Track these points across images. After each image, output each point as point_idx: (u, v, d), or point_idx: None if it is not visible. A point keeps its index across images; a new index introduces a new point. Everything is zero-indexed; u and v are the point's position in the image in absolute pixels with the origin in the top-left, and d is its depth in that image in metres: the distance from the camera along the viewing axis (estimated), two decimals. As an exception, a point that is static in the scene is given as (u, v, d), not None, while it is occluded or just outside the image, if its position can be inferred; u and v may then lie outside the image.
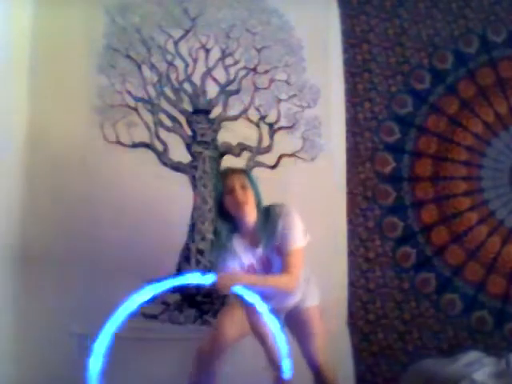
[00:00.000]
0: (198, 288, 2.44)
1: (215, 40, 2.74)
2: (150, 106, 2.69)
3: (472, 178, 2.82)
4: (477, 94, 2.86)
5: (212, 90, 2.73)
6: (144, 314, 2.54)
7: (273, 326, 1.84)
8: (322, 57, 2.80)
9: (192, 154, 2.69)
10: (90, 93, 2.64)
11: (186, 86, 2.72)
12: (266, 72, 2.77)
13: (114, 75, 2.67)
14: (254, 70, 2.77)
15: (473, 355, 2.25)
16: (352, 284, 2.72)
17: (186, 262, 2.63)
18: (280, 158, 2.73)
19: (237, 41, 2.76)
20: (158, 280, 1.81)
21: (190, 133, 2.71)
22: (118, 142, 2.64)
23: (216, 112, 2.73)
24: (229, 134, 2.72)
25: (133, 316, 2.57)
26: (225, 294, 2.09)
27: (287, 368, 1.82)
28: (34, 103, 2.60)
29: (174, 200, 2.61)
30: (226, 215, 2.00)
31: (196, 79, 2.73)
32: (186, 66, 2.72)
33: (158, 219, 2.55)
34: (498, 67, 2.87)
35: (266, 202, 2.03)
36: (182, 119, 2.71)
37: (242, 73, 2.76)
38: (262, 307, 1.84)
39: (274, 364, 1.88)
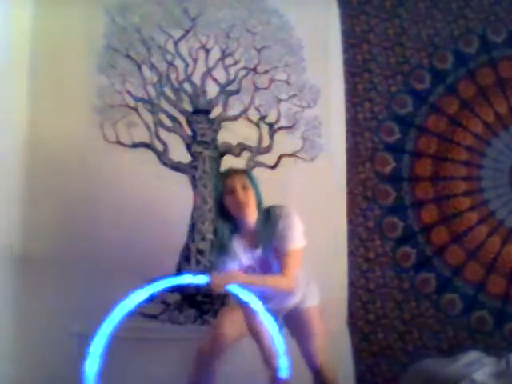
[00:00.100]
0: (198, 288, 2.44)
1: (215, 40, 2.74)
2: (150, 106, 2.69)
3: (472, 178, 2.82)
4: (477, 94, 2.86)
5: (212, 89, 2.73)
6: (144, 313, 2.54)
7: (269, 325, 1.83)
8: (322, 57, 2.80)
9: (192, 154, 2.69)
10: (89, 93, 2.64)
11: (186, 86, 2.72)
12: (266, 72, 2.77)
13: (114, 75, 2.67)
14: (254, 70, 2.77)
15: (473, 355, 2.25)
16: (352, 284, 2.72)
17: (185, 261, 2.63)
18: (280, 157, 2.73)
19: (237, 41, 2.76)
20: (155, 280, 1.81)
21: (190, 133, 2.71)
22: (118, 142, 2.64)
23: (216, 112, 2.73)
24: (229, 134, 2.72)
25: (132, 316, 2.58)
26: (225, 295, 2.09)
27: (284, 367, 1.81)
28: (34, 103, 2.60)
29: (174, 200, 2.61)
30: (227, 215, 2.00)
31: (196, 79, 2.73)
32: (186, 66, 2.72)
33: (158, 219, 2.55)
34: (498, 67, 2.87)
35: (266, 203, 2.03)
36: (182, 119, 2.71)
37: (242, 73, 2.76)
38: (257, 306, 1.83)
39: (269, 363, 1.88)
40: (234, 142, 2.72)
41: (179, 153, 2.68)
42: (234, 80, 2.75)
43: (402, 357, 2.68)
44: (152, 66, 2.70)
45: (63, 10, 2.63)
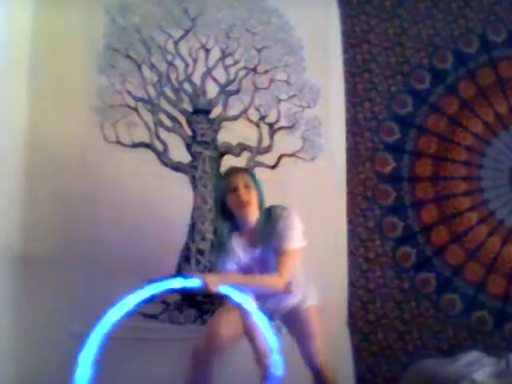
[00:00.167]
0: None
1: (215, 40, 2.74)
2: (150, 106, 2.69)
3: (472, 178, 2.82)
4: (477, 94, 2.86)
5: (212, 89, 2.73)
6: (144, 313, 2.54)
7: (262, 325, 1.83)
8: (322, 57, 2.81)
9: (192, 154, 2.70)
10: (89, 93, 2.64)
11: (186, 86, 2.72)
12: (266, 72, 2.77)
13: (114, 75, 2.67)
14: (254, 70, 2.77)
15: (473, 355, 2.25)
16: (352, 284, 2.72)
17: (185, 261, 2.63)
18: (280, 157, 2.73)
19: (237, 41, 2.76)
20: (151, 282, 1.79)
21: (190, 133, 2.71)
22: (118, 142, 2.64)
23: (216, 112, 2.73)
24: (229, 134, 2.72)
25: (132, 316, 2.58)
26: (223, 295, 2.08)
27: (278, 365, 1.81)
28: (34, 103, 2.60)
29: (174, 200, 2.61)
30: (228, 214, 2.01)
31: (196, 79, 2.73)
32: (186, 66, 2.72)
33: (158, 219, 2.55)
34: (498, 67, 2.87)
35: (266, 203, 2.03)
36: (182, 119, 2.71)
37: (242, 73, 2.76)
38: (251, 307, 1.83)
39: (261, 364, 1.88)
40: (234, 142, 2.72)
41: (179, 153, 2.68)
42: (234, 80, 2.75)
43: (402, 357, 2.68)
44: (152, 66, 2.70)
45: (63, 9, 2.63)
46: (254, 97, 2.75)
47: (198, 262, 2.64)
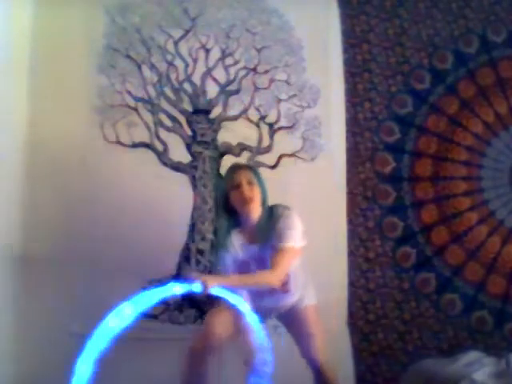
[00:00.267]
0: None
1: (215, 40, 2.74)
2: (150, 106, 2.69)
3: (472, 178, 2.82)
4: (477, 94, 2.86)
5: (212, 89, 2.73)
6: (144, 314, 2.53)
7: (254, 325, 1.83)
8: (322, 57, 2.81)
9: (192, 154, 2.70)
10: (89, 93, 2.64)
11: (186, 86, 2.72)
12: (266, 72, 2.77)
13: (114, 75, 2.67)
14: (254, 70, 2.77)
15: (473, 355, 2.25)
16: (352, 284, 2.72)
17: (185, 261, 2.63)
18: (280, 157, 2.73)
19: (237, 41, 2.76)
20: (149, 287, 1.77)
21: (190, 133, 2.71)
22: (118, 142, 2.64)
23: (216, 112, 2.73)
24: (229, 134, 2.72)
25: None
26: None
27: (268, 364, 1.81)
28: (34, 103, 2.60)
29: (174, 200, 2.61)
30: (230, 211, 2.01)
31: (196, 79, 2.73)
32: (186, 66, 2.72)
33: (158, 219, 2.55)
34: (498, 67, 2.87)
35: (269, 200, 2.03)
36: (182, 119, 2.71)
37: (242, 73, 2.76)
38: (244, 308, 1.82)
39: (248, 363, 1.88)
40: (234, 142, 2.72)
41: (179, 153, 2.68)
42: (234, 80, 2.75)
43: (402, 357, 2.68)
44: (152, 66, 2.70)
45: (63, 9, 2.63)
46: (254, 97, 2.75)
47: (198, 262, 2.64)
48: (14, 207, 2.52)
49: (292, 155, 2.74)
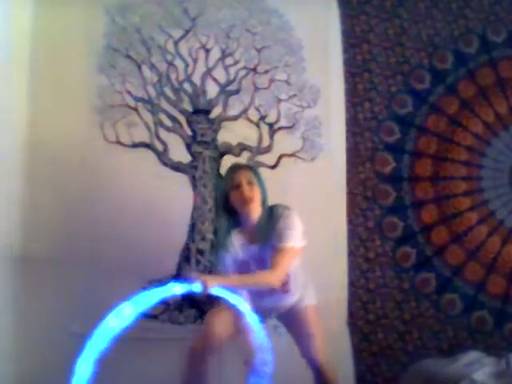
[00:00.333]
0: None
1: (215, 40, 2.74)
2: (150, 106, 2.69)
3: (472, 178, 2.82)
4: (477, 94, 2.86)
5: (212, 89, 2.73)
6: (144, 314, 2.53)
7: (254, 325, 1.82)
8: (322, 57, 2.81)
9: (192, 154, 2.70)
10: (89, 93, 2.64)
11: (186, 86, 2.72)
12: (266, 72, 2.77)
13: (114, 75, 2.67)
14: (254, 70, 2.77)
15: (473, 355, 2.25)
16: (352, 284, 2.72)
17: (185, 261, 2.63)
18: (280, 157, 2.73)
19: (237, 41, 2.76)
20: (149, 287, 1.77)
21: (190, 133, 2.71)
22: (118, 142, 2.64)
23: (216, 112, 2.73)
24: (229, 134, 2.72)
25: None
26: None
27: (268, 364, 1.81)
28: (34, 103, 2.60)
29: (174, 200, 2.61)
30: (230, 211, 2.01)
31: (196, 79, 2.73)
32: (186, 66, 2.72)
33: (158, 219, 2.55)
34: (498, 67, 2.87)
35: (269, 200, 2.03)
36: (182, 119, 2.71)
37: (242, 73, 2.76)
38: (243, 307, 1.82)
39: (248, 363, 1.88)
40: (234, 142, 2.72)
41: (179, 153, 2.68)
42: (234, 80, 2.75)
43: (402, 357, 2.68)
44: (152, 66, 2.70)
45: (63, 9, 2.63)
46: (254, 97, 2.75)
47: (198, 262, 2.64)
48: (13, 207, 2.51)
49: (292, 155, 2.74)
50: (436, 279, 2.76)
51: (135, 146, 2.65)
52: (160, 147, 2.67)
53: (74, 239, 2.54)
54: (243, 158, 2.70)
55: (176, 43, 2.72)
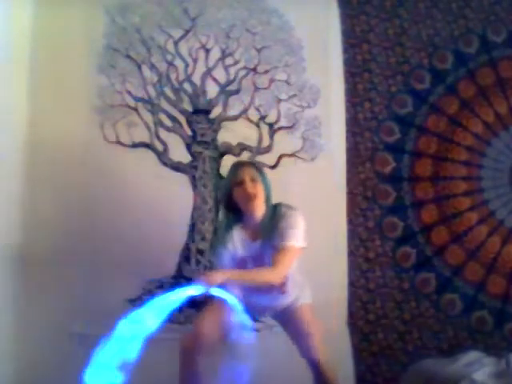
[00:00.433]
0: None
1: (215, 40, 2.74)
2: (150, 106, 2.69)
3: (472, 178, 2.82)
4: (477, 94, 2.86)
5: (212, 89, 2.73)
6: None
7: (242, 322, 1.82)
8: (322, 57, 2.81)
9: (192, 154, 2.70)
10: (90, 93, 2.64)
11: (186, 86, 2.72)
12: (266, 72, 2.77)
13: (114, 75, 2.67)
14: (254, 70, 2.77)
15: (473, 355, 2.25)
16: (352, 284, 2.72)
17: (185, 261, 2.63)
18: (280, 158, 2.73)
19: (237, 41, 2.76)
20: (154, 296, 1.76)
21: (190, 133, 2.71)
22: (118, 142, 2.64)
23: (216, 112, 2.73)
24: (229, 134, 2.72)
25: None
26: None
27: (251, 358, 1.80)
28: (34, 103, 2.60)
29: (174, 200, 2.61)
30: (233, 208, 2.02)
31: (196, 79, 2.73)
32: (186, 66, 2.72)
33: (158, 219, 2.55)
34: (498, 67, 2.87)
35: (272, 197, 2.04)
36: (182, 119, 2.71)
37: (242, 73, 2.76)
38: (234, 304, 1.82)
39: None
40: (234, 142, 2.72)
41: (179, 153, 2.68)
42: (234, 80, 2.75)
43: (402, 357, 2.68)
44: (152, 66, 2.70)
45: (63, 9, 2.63)
46: (254, 97, 2.75)
47: (198, 262, 2.64)
48: (13, 207, 2.52)
49: (292, 155, 2.74)
50: (436, 279, 2.76)
51: (135, 145, 2.65)
52: (160, 147, 2.67)
53: (74, 239, 2.54)
54: (243, 158, 2.70)
55: (176, 43, 2.72)
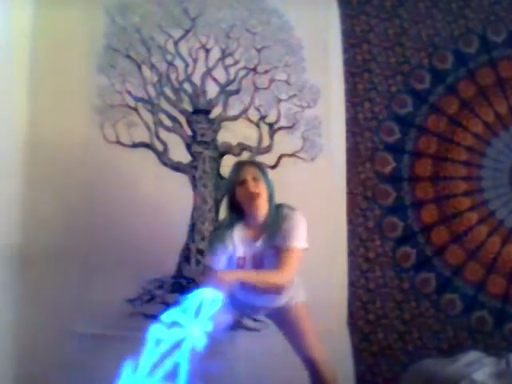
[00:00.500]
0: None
1: (215, 40, 2.74)
2: (150, 106, 2.69)
3: (472, 178, 2.82)
4: (477, 94, 2.86)
5: (212, 89, 2.73)
6: (144, 313, 2.54)
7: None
8: (322, 57, 2.80)
9: (192, 154, 2.70)
10: (90, 93, 2.64)
11: (186, 86, 2.72)
12: (266, 72, 2.77)
13: (114, 75, 2.67)
14: (254, 70, 2.77)
15: (473, 355, 2.25)
16: (352, 284, 2.72)
17: (185, 261, 2.63)
18: (280, 158, 2.73)
19: (237, 41, 2.76)
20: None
21: (190, 133, 2.71)
22: (118, 142, 2.64)
23: (216, 112, 2.73)
24: (229, 134, 2.72)
25: (133, 316, 2.58)
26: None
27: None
28: (34, 103, 2.60)
29: (174, 200, 2.61)
30: (236, 208, 2.02)
31: (196, 79, 2.73)
32: (186, 66, 2.72)
33: (157, 219, 2.55)
34: (498, 67, 2.87)
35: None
36: (182, 119, 2.71)
37: (242, 73, 2.76)
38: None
39: None
40: (234, 142, 2.72)
41: (179, 153, 2.68)
42: (234, 80, 2.75)
43: (402, 357, 2.68)
44: (152, 66, 2.70)
45: (63, 10, 2.63)
46: (254, 97, 2.75)
47: (198, 262, 2.64)
48: (14, 207, 2.52)
49: (292, 155, 2.74)
50: (436, 279, 2.76)
51: (135, 145, 2.65)
52: (160, 147, 2.67)
53: (74, 239, 2.54)
54: (243, 158, 2.70)
55: (176, 43, 2.72)
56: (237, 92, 2.75)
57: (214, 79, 2.74)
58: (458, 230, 2.79)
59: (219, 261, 1.99)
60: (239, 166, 2.06)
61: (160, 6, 2.72)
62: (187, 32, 2.73)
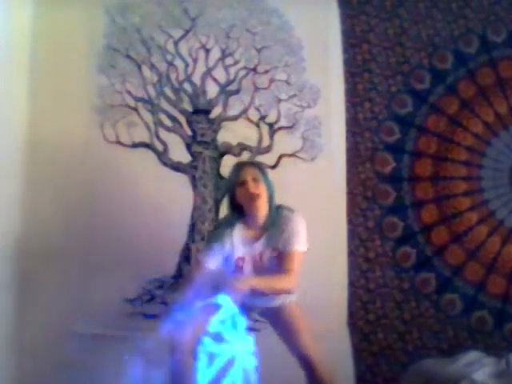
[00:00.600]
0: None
1: (215, 40, 2.74)
2: (150, 106, 2.69)
3: (472, 178, 2.82)
4: (477, 94, 2.86)
5: (212, 89, 2.73)
6: (144, 313, 2.54)
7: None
8: (322, 57, 2.80)
9: (192, 154, 2.70)
10: (90, 93, 2.64)
11: (186, 86, 2.72)
12: (266, 72, 2.77)
13: (114, 75, 2.67)
14: (254, 70, 2.77)
15: (473, 355, 2.25)
16: (352, 284, 2.72)
17: (185, 261, 2.63)
18: (280, 158, 2.73)
19: (237, 41, 2.76)
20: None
21: (190, 133, 2.71)
22: (118, 142, 2.64)
23: (216, 112, 2.73)
24: (229, 134, 2.72)
25: (133, 316, 2.58)
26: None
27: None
28: (34, 103, 2.60)
29: (174, 200, 2.61)
30: (236, 209, 2.02)
31: (196, 79, 2.73)
32: (186, 66, 2.72)
33: (157, 219, 2.55)
34: (498, 67, 2.87)
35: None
36: (182, 119, 2.71)
37: (242, 73, 2.76)
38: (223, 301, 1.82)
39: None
40: (234, 142, 2.72)
41: (179, 153, 2.68)
42: (234, 80, 2.75)
43: (402, 357, 2.68)
44: (152, 66, 2.70)
45: (63, 10, 2.63)
46: (254, 97, 2.75)
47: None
48: (14, 207, 2.52)
49: (292, 155, 2.74)
50: (436, 279, 2.76)
51: (135, 145, 2.65)
52: (160, 147, 2.67)
53: (74, 239, 2.54)
54: (243, 158, 2.70)
55: (176, 43, 2.72)
56: (237, 92, 2.75)
57: (214, 79, 2.74)
58: (458, 230, 2.79)
59: (213, 259, 1.99)
60: (239, 167, 2.06)
61: (160, 5, 2.73)
62: (187, 32, 2.73)
